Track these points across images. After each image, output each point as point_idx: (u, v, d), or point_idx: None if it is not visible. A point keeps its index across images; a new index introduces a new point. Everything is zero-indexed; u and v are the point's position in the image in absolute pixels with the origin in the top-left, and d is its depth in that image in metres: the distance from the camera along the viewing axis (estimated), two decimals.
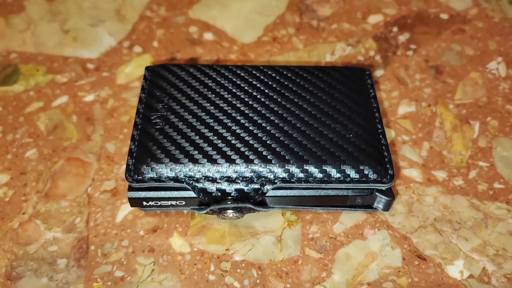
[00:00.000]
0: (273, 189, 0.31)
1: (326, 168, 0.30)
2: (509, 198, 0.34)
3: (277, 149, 0.31)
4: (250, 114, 0.33)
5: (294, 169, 0.30)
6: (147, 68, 0.36)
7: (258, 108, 0.33)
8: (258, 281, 0.31)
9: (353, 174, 0.30)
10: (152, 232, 0.33)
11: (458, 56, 0.43)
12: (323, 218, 0.33)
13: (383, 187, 0.31)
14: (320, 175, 0.30)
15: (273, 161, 0.30)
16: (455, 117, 0.39)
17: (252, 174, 0.30)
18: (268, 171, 0.30)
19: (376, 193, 0.31)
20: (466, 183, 0.35)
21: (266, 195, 0.31)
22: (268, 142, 0.31)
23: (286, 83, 0.35)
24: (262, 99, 0.34)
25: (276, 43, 0.45)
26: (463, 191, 0.34)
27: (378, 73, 0.42)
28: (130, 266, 0.31)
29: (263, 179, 0.30)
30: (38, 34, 0.45)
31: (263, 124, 0.32)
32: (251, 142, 0.31)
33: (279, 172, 0.30)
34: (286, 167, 0.30)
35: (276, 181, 0.30)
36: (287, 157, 0.30)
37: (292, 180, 0.30)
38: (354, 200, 0.32)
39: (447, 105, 0.40)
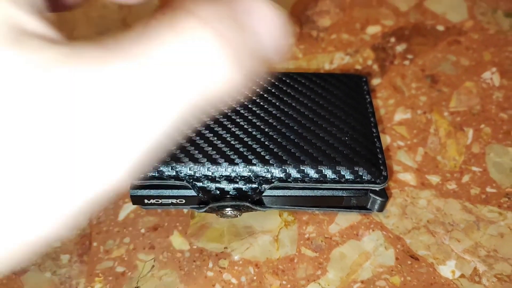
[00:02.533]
0: (270, 188, 0.32)
1: (322, 168, 0.31)
2: (501, 201, 0.35)
3: (275, 150, 0.32)
4: (250, 117, 0.34)
5: (291, 170, 0.31)
6: None
7: (257, 112, 0.34)
8: (255, 277, 0.32)
9: (347, 174, 0.31)
10: (153, 230, 0.34)
11: (453, 66, 0.44)
12: (319, 219, 0.34)
13: (377, 187, 0.32)
14: (316, 175, 0.31)
15: (271, 162, 0.31)
16: (450, 124, 0.40)
17: (250, 173, 0.31)
18: (266, 171, 0.31)
19: (370, 194, 0.32)
20: (459, 187, 0.36)
21: (264, 194, 0.32)
22: (266, 143, 0.32)
23: (284, 88, 0.36)
24: (261, 103, 0.35)
25: None
26: (456, 195, 0.35)
27: (375, 81, 0.43)
28: (131, 262, 0.32)
29: (261, 178, 0.31)
30: None
31: (262, 127, 0.33)
32: (250, 143, 0.32)
33: (277, 172, 0.31)
34: (283, 167, 0.31)
35: (273, 180, 0.31)
36: (284, 158, 0.31)
37: (289, 180, 0.31)
38: (349, 200, 0.33)
39: (442, 113, 0.41)
